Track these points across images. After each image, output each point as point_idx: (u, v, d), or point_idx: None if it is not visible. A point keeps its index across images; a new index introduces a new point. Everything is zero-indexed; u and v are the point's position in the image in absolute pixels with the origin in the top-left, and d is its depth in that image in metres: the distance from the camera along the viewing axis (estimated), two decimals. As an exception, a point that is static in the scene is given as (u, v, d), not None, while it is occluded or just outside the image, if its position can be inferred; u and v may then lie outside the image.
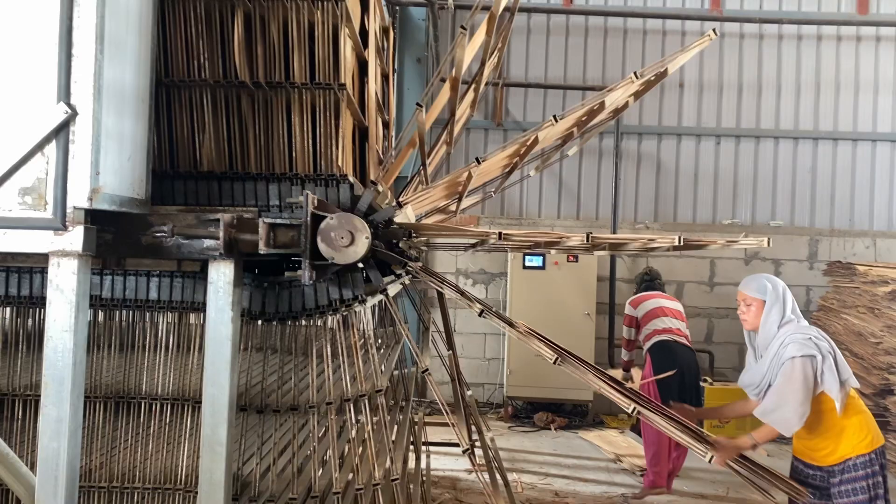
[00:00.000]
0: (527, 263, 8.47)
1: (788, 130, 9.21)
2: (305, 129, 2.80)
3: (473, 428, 6.96)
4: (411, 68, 8.76)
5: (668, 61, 3.50)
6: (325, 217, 2.54)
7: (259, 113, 2.81)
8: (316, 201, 2.56)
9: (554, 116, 3.14)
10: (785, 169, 9.24)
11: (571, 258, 8.51)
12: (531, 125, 9.16)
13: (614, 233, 9.00)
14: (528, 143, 3.38)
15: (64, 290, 2.26)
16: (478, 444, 4.65)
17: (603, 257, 8.96)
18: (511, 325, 3.11)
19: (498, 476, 4.01)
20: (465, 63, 3.46)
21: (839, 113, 9.23)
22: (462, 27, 2.89)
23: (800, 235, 9.15)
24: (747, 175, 9.25)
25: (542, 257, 8.56)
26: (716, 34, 3.30)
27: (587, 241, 2.84)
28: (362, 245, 2.54)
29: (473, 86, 4.57)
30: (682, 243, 2.76)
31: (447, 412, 2.98)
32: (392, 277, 3.22)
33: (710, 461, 2.98)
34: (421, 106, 3.02)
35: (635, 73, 3.25)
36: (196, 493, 2.60)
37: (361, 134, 3.79)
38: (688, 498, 6.01)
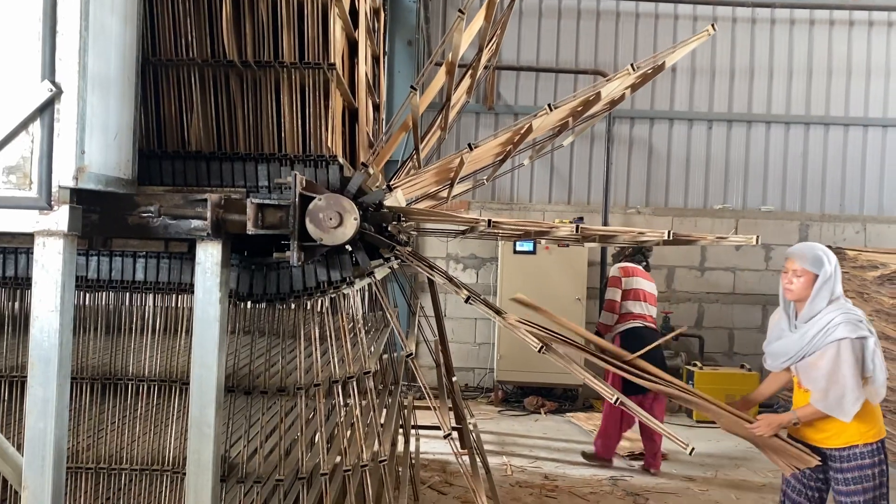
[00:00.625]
0: (517, 248, 8.47)
1: (780, 115, 9.22)
2: (295, 109, 2.78)
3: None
4: (402, 51, 8.70)
5: (665, 55, 3.47)
6: (313, 198, 2.53)
7: (248, 92, 2.79)
8: (304, 182, 2.54)
9: (549, 105, 3.10)
10: (776, 154, 9.25)
11: (562, 243, 8.51)
12: (523, 109, 9.15)
13: (605, 217, 9.01)
14: (522, 131, 3.36)
15: (50, 270, 2.24)
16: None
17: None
18: (498, 312, 3.11)
19: (479, 461, 4.00)
20: (462, 48, 3.43)
21: (831, 98, 9.24)
22: (460, 11, 2.87)
23: (790, 220, 9.18)
24: (739, 160, 9.26)
25: (532, 242, 8.55)
26: (714, 29, 3.25)
27: (576, 232, 2.82)
28: (351, 226, 2.52)
29: (470, 72, 4.54)
30: (671, 238, 2.73)
31: (430, 397, 2.97)
32: (381, 261, 3.21)
33: (690, 453, 2.95)
34: (415, 89, 3.00)
35: (632, 65, 3.20)
36: (184, 474, 2.60)
37: (351, 115, 3.76)
38: (676, 481, 6.05)
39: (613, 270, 6.66)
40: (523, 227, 3.13)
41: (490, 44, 4.51)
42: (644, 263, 6.77)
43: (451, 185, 3.97)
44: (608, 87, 3.44)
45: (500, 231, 3.02)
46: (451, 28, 2.94)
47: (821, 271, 3.48)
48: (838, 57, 9.22)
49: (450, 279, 3.00)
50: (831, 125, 9.24)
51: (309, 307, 2.88)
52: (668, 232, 2.72)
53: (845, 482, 3.51)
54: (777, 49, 9.21)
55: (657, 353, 6.07)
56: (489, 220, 2.80)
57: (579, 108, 3.76)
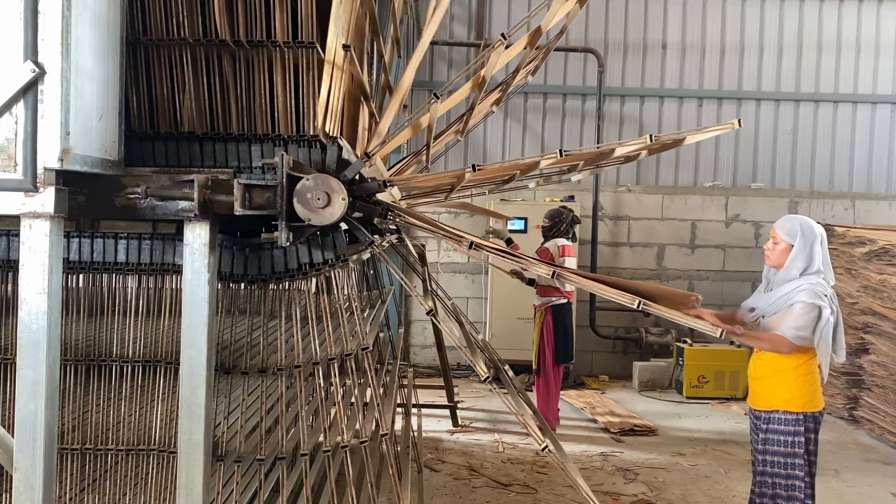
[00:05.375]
0: (510, 227, 8.47)
1: (770, 92, 9.22)
2: (288, 88, 2.76)
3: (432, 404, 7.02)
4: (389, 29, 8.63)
5: (687, 134, 3.64)
6: (301, 178, 2.52)
7: (240, 72, 2.76)
8: (291, 162, 2.53)
9: (560, 151, 3.17)
10: (766, 131, 9.27)
11: (578, 223, 8.55)
12: (513, 88, 9.09)
13: (596, 196, 9.04)
14: (529, 165, 3.45)
15: (37, 252, 2.23)
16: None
17: (585, 221, 8.99)
18: (461, 324, 3.19)
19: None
20: (497, 68, 3.48)
21: (820, 75, 9.24)
22: (502, 35, 2.96)
23: (780, 197, 9.21)
24: (729, 137, 9.27)
25: (524, 220, 8.58)
26: (740, 125, 3.38)
27: (553, 277, 2.87)
28: (339, 206, 2.52)
29: (502, 86, 4.60)
30: (639, 308, 2.77)
31: (376, 394, 3.00)
32: (360, 246, 3.22)
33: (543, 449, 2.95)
34: (437, 97, 3.05)
35: (650, 135, 3.35)
36: (170, 453, 2.61)
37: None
38: (666, 456, 6.12)
39: (551, 246, 6.72)
40: (505, 252, 3.17)
41: (529, 65, 4.60)
42: (573, 234, 7.00)
43: (450, 192, 4.03)
44: (624, 148, 3.61)
45: (485, 251, 3.09)
46: (491, 48, 2.98)
47: (795, 241, 3.69)
48: (828, 33, 9.21)
49: (423, 280, 3.05)
50: (821, 102, 9.25)
51: (291, 288, 2.89)
52: (638, 303, 2.74)
53: (763, 442, 3.72)
54: (768, 25, 9.20)
55: (571, 325, 6.95)
56: (471, 243, 2.87)
57: (591, 156, 3.86)
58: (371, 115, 4.10)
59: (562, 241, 6.73)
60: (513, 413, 3.01)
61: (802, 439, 3.65)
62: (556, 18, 3.69)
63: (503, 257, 2.98)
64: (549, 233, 6.84)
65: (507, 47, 3.43)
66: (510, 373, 4.28)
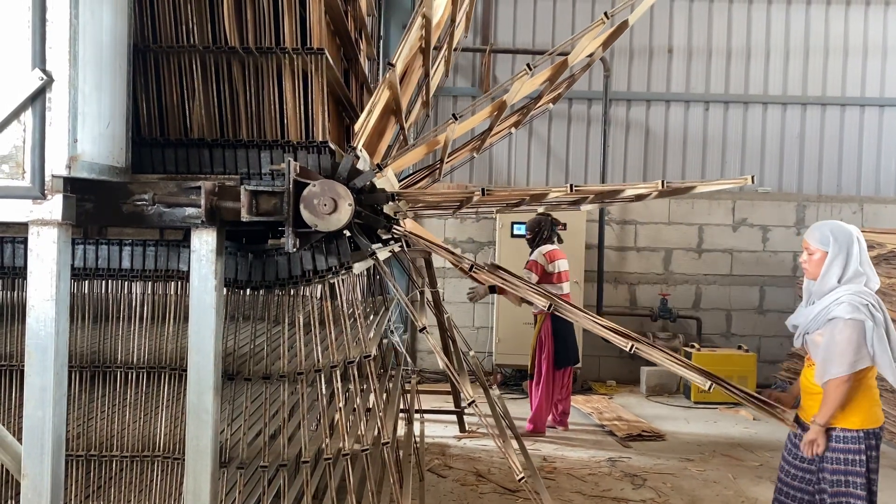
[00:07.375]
0: (515, 232, 8.48)
1: (777, 96, 9.19)
2: (297, 95, 2.77)
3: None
4: (397, 35, 8.66)
5: (698, 184, 3.78)
6: (308, 184, 2.52)
7: (250, 79, 2.76)
8: (298, 168, 2.53)
9: (570, 185, 3.21)
10: (773, 135, 9.24)
11: (560, 227, 8.53)
12: (519, 92, 9.11)
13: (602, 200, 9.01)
14: (537, 194, 3.53)
15: (45, 260, 2.24)
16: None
17: (591, 225, 8.98)
18: (453, 341, 3.21)
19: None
20: (521, 95, 3.52)
21: (828, 78, 9.21)
22: (528, 66, 3.02)
23: (787, 201, 9.18)
24: (736, 141, 9.25)
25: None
26: (753, 181, 3.40)
27: (549, 307, 2.92)
28: (345, 212, 2.52)
29: (523, 110, 4.66)
30: (632, 351, 2.77)
31: (379, 401, 3.01)
32: (376, 246, 3.23)
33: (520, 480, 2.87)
34: (456, 118, 3.09)
35: (662, 181, 3.37)
36: (175, 459, 2.62)
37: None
38: (674, 461, 6.09)
39: (538, 256, 6.78)
40: (501, 278, 3.19)
41: (551, 93, 4.67)
42: (557, 238, 6.99)
43: (458, 209, 4.07)
44: (635, 190, 3.67)
45: (485, 275, 3.11)
46: (515, 76, 3.10)
47: (829, 248, 3.49)
48: (835, 36, 9.18)
49: (421, 293, 3.07)
50: (828, 105, 9.22)
51: (295, 294, 2.89)
52: (631, 346, 2.75)
53: (820, 460, 3.51)
54: (774, 29, 9.17)
55: (571, 329, 6.88)
56: (472, 265, 2.87)
57: (601, 193, 3.92)
58: (402, 127, 4.14)
59: (547, 248, 6.81)
60: (495, 442, 3.02)
61: (864, 458, 3.44)
62: (583, 54, 3.73)
63: (502, 281, 3.00)
64: (532, 243, 6.95)
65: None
66: (496, 392, 4.31)
